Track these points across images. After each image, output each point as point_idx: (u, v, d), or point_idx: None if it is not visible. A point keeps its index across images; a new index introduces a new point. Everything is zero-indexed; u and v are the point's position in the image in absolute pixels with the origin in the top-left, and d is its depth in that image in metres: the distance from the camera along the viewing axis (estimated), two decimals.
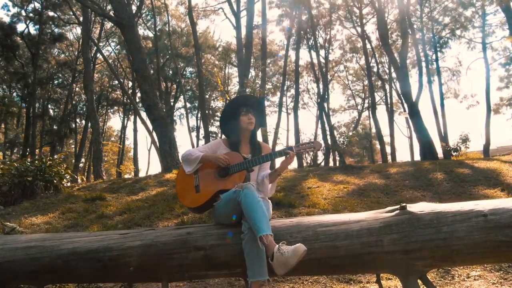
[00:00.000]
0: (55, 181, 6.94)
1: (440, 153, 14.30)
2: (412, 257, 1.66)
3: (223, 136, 2.45)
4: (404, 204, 1.74)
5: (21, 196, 6.40)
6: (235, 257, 1.85)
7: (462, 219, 1.65)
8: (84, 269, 2.07)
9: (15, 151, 25.70)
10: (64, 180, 7.37)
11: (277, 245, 1.66)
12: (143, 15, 24.73)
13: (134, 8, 14.51)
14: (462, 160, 8.17)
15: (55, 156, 7.80)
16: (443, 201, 4.56)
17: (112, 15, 10.13)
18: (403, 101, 23.16)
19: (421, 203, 1.79)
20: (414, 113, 13.40)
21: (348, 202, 4.65)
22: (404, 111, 25.15)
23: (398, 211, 1.76)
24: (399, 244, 1.66)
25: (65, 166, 7.60)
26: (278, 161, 2.27)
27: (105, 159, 27.51)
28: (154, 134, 12.10)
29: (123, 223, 4.52)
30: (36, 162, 6.87)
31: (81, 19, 14.85)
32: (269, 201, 2.15)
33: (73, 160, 24.66)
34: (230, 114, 2.34)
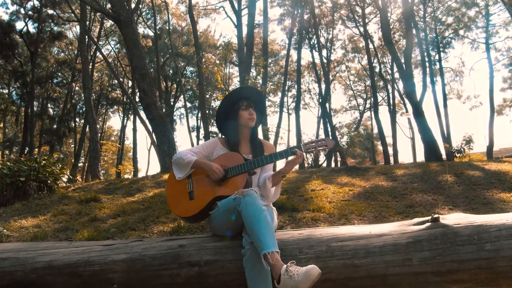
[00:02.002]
0: (49, 182, 6.68)
1: (443, 155, 14.05)
2: (447, 280, 1.39)
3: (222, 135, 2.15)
4: (436, 215, 1.47)
5: (13, 197, 6.16)
6: (235, 276, 1.57)
7: (508, 235, 1.38)
8: (62, 285, 1.81)
9: (14, 150, 25.51)
10: (59, 180, 7.11)
11: (285, 266, 1.38)
12: (143, 13, 24.53)
13: (133, 5, 14.25)
14: (471, 162, 7.90)
15: (54, 156, 7.52)
16: (457, 206, 4.30)
17: (110, 11, 9.89)
18: (406, 101, 22.92)
19: (456, 214, 1.52)
20: (418, 114, 13.13)
21: (355, 206, 4.38)
22: (407, 111, 24.89)
23: (429, 223, 1.48)
24: (431, 264, 1.39)
25: (60, 166, 7.35)
26: (279, 162, 1.99)
27: (105, 159, 27.31)
28: (153, 134, 11.86)
29: (116, 227, 4.26)
30: (30, 161, 6.61)
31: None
32: (274, 208, 1.86)
33: (73, 160, 24.45)
34: (228, 108, 2.03)
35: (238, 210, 1.58)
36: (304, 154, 1.77)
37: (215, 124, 2.18)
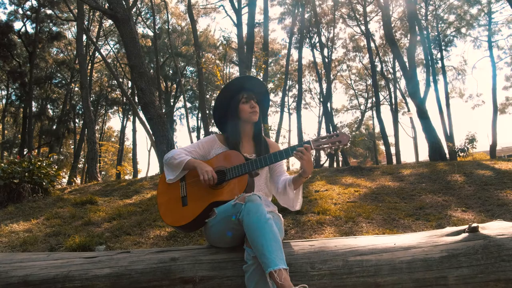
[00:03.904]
0: (44, 184, 6.47)
1: (446, 154, 13.83)
2: None
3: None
4: (475, 225, 1.24)
5: (7, 200, 5.97)
6: None
7: None
8: None
9: (14, 151, 25.34)
10: (55, 182, 6.90)
11: None
12: (143, 13, 24.34)
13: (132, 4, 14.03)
14: (479, 161, 7.67)
15: (52, 157, 7.29)
16: (470, 207, 4.07)
17: (107, 8, 9.67)
18: (408, 100, 22.70)
19: (497, 223, 1.29)
20: (422, 114, 12.91)
21: (362, 208, 4.16)
22: (408, 110, 24.65)
23: (466, 234, 1.25)
24: (472, 283, 1.16)
25: (56, 167, 7.13)
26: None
27: (105, 160, 27.13)
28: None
29: (110, 231, 4.05)
30: (24, 163, 6.39)
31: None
32: (280, 215, 1.59)
33: (72, 161, 24.25)
34: (227, 102, 1.78)
35: (239, 218, 1.35)
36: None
37: (213, 119, 1.92)
